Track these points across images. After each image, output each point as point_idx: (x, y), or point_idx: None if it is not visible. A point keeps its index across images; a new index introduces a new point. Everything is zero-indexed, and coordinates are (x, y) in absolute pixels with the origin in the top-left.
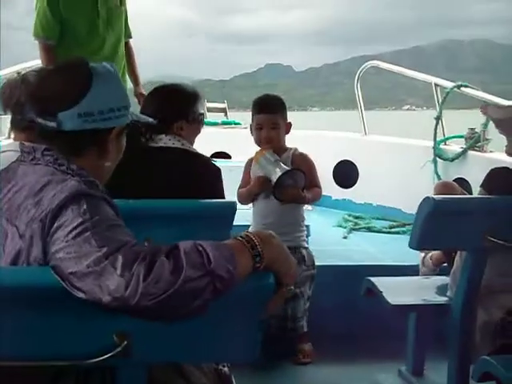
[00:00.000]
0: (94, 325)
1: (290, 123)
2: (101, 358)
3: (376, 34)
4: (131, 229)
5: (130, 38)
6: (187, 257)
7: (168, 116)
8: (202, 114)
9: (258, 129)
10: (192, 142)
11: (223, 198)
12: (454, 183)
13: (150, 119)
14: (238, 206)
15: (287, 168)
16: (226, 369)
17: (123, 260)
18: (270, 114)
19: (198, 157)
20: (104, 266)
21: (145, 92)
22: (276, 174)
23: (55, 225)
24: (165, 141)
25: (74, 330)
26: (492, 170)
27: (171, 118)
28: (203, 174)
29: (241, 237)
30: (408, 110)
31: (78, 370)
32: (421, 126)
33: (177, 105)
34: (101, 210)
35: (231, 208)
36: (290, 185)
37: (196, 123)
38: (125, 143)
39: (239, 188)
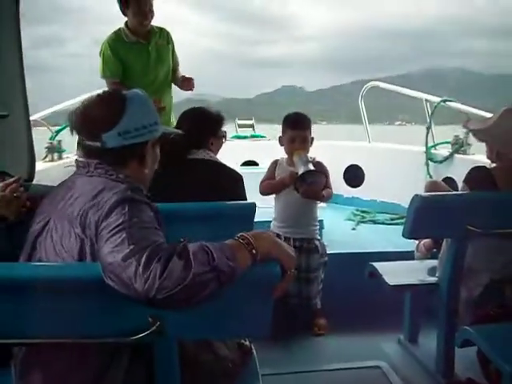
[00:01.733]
0: (132, 309)
1: (313, 138)
2: (138, 336)
3: (373, 62)
4: (168, 227)
5: (176, 65)
6: (195, 256)
7: (203, 133)
8: (225, 132)
9: (291, 142)
10: (216, 154)
11: (245, 198)
12: (441, 182)
13: (178, 130)
14: (262, 204)
15: (312, 168)
16: (247, 342)
17: (146, 258)
18: (301, 131)
19: (225, 167)
20: (130, 262)
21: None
22: (302, 169)
23: (103, 224)
24: (198, 154)
25: (118, 313)
26: (472, 168)
27: (205, 135)
28: (226, 180)
29: (237, 237)
30: (399, 124)
31: (128, 347)
32: (411, 136)
33: (209, 124)
34: (139, 212)
35: (251, 208)
36: (311, 182)
37: (221, 139)
38: (159, 152)
39: (263, 181)
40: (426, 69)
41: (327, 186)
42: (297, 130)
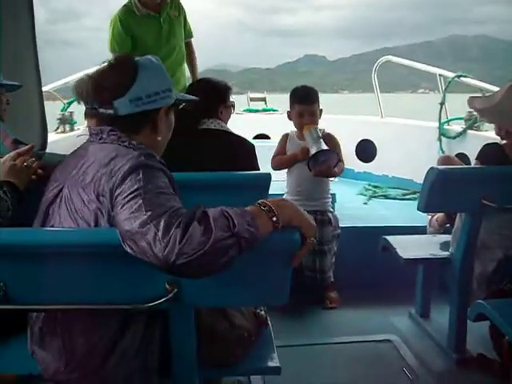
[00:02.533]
0: (149, 275)
1: (321, 110)
2: (156, 303)
3: (393, 31)
4: (183, 196)
5: (191, 37)
6: (215, 222)
7: (213, 102)
8: (233, 102)
9: (300, 116)
10: (226, 123)
11: (258, 169)
12: (454, 157)
13: (193, 97)
14: (274, 178)
15: (324, 148)
16: (262, 312)
17: (164, 224)
18: (309, 105)
19: (235, 136)
20: (148, 227)
21: None
22: (314, 149)
23: (117, 191)
24: (208, 124)
25: (135, 279)
26: (484, 145)
27: (215, 104)
28: (239, 150)
29: (258, 203)
30: (423, 93)
31: (144, 312)
32: (433, 106)
33: (218, 94)
34: (154, 178)
35: (267, 179)
36: (323, 161)
37: (230, 108)
38: (173, 119)
39: (274, 156)
40: (448, 36)
41: (339, 159)
42: (305, 104)
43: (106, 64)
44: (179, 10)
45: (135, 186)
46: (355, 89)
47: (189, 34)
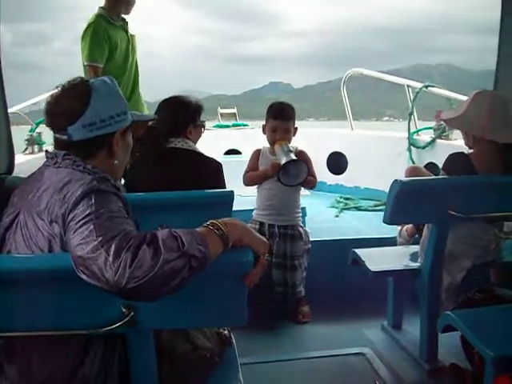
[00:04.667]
0: (105, 299)
1: (296, 128)
2: (113, 327)
3: (360, 59)
4: (147, 216)
5: None
6: (164, 243)
7: (181, 122)
8: (204, 121)
9: (273, 131)
10: (195, 143)
11: (224, 186)
12: (422, 167)
13: (151, 116)
14: (244, 193)
15: (294, 158)
16: (226, 332)
17: (115, 248)
18: (283, 121)
19: (203, 156)
20: (100, 252)
21: None
22: (284, 160)
23: (70, 216)
24: (175, 143)
25: (92, 303)
26: (449, 155)
27: (184, 123)
28: (206, 169)
29: (207, 224)
30: (387, 120)
31: (102, 337)
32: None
33: (188, 113)
34: (106, 203)
35: (230, 196)
36: (294, 172)
37: (200, 128)
38: (131, 140)
39: (246, 172)
40: (413, 65)
41: (311, 174)
42: (279, 120)
43: (59, 89)
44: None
45: (87, 212)
46: (321, 116)
47: None
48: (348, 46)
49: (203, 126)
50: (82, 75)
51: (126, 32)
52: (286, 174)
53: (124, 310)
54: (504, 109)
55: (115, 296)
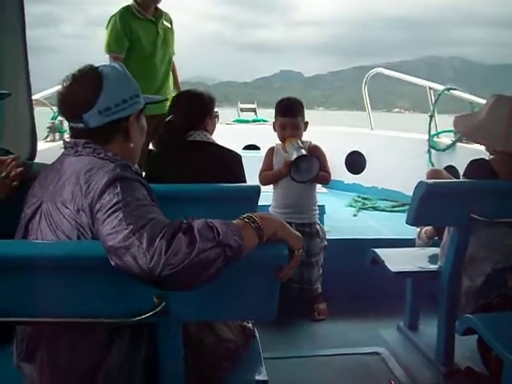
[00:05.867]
0: (138, 288)
1: (307, 122)
2: (143, 317)
3: (370, 49)
4: (171, 208)
5: (173, 54)
6: (199, 232)
7: (199, 115)
8: (217, 112)
9: (282, 128)
10: (212, 134)
11: (244, 180)
12: (443, 170)
13: (162, 97)
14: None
15: (304, 153)
16: (250, 325)
17: (147, 236)
18: (292, 118)
19: (224, 149)
20: (131, 241)
21: None
22: (295, 156)
23: (97, 206)
24: (194, 136)
25: (122, 292)
26: (471, 161)
27: (202, 116)
28: (226, 161)
29: (243, 217)
30: (398, 112)
31: (130, 326)
32: (411, 124)
33: (204, 105)
34: (132, 191)
35: (256, 191)
36: (305, 168)
37: (215, 119)
38: (145, 124)
39: (261, 172)
40: (425, 56)
41: (325, 169)
42: (287, 116)
43: (70, 78)
44: (171, 23)
45: (114, 200)
46: (331, 106)
47: (173, 51)
48: (361, 36)
49: (217, 117)
50: (94, 57)
51: (156, 25)
52: (298, 171)
53: (156, 299)
54: None
55: (148, 284)
